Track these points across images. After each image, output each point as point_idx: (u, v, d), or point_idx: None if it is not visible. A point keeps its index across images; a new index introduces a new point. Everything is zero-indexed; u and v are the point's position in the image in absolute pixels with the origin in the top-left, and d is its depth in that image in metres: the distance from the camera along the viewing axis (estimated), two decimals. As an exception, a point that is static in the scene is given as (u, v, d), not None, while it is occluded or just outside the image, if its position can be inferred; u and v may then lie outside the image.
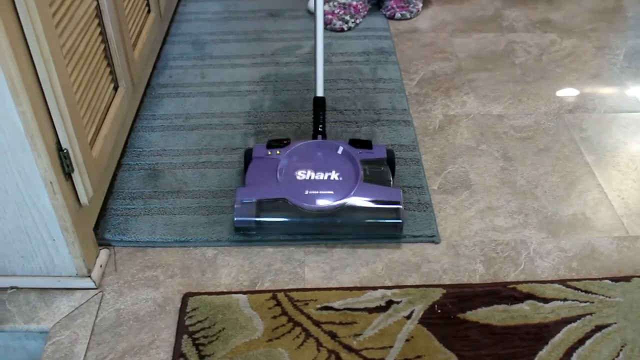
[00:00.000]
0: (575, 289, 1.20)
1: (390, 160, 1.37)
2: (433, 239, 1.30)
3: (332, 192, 1.29)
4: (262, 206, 1.27)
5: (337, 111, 1.64)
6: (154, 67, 1.83)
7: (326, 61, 1.84)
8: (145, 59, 1.64)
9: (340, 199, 1.27)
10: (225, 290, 1.20)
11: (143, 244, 1.31)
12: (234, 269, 1.25)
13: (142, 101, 1.69)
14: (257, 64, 1.84)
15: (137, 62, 1.51)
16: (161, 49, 1.92)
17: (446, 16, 2.11)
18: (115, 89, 1.38)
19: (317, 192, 1.29)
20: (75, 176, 1.12)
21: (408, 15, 2.08)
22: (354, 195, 1.28)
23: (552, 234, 1.32)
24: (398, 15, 2.06)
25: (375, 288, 1.20)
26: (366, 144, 1.39)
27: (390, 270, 1.24)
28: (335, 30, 1.97)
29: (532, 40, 1.98)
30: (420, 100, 1.70)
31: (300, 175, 1.32)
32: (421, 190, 1.40)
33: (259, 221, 1.28)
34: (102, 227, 1.33)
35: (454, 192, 1.42)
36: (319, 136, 1.43)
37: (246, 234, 1.30)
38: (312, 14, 2.03)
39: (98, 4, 1.26)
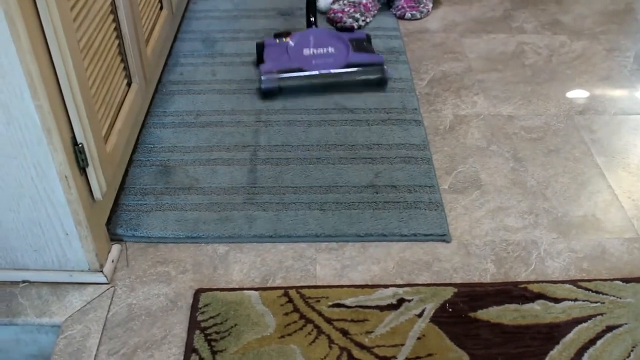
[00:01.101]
0: (586, 289, 1.20)
1: (368, 40, 1.82)
2: (444, 237, 1.31)
3: (332, 60, 1.72)
4: (282, 74, 1.67)
5: (348, 110, 1.64)
6: (165, 64, 1.83)
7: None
8: (158, 55, 1.64)
9: (340, 62, 1.71)
10: (237, 287, 1.21)
11: (155, 240, 1.32)
12: (245, 266, 1.25)
13: (153, 97, 1.70)
14: (268, 62, 1.85)
15: (150, 59, 1.52)
16: (172, 46, 1.92)
17: (456, 17, 2.11)
18: (129, 84, 1.39)
19: (321, 62, 1.71)
20: (90, 171, 1.13)
21: (418, 15, 2.08)
22: (349, 60, 1.71)
23: (563, 235, 1.32)
24: (408, 15, 2.07)
25: (386, 286, 1.20)
26: (348, 29, 1.93)
27: (402, 269, 1.25)
28: (346, 29, 1.97)
29: (542, 41, 1.98)
30: (430, 100, 1.71)
31: (306, 51, 1.74)
32: (432, 190, 1.40)
33: (282, 85, 1.67)
34: (114, 222, 1.33)
35: (465, 191, 1.42)
36: (313, 25, 1.83)
37: (271, 98, 1.67)
38: (323, 13, 2.04)
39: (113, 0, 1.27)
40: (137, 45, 1.39)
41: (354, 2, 2.02)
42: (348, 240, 1.30)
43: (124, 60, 1.34)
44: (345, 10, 2.01)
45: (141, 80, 1.43)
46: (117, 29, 1.30)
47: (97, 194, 1.16)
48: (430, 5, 2.12)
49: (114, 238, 1.31)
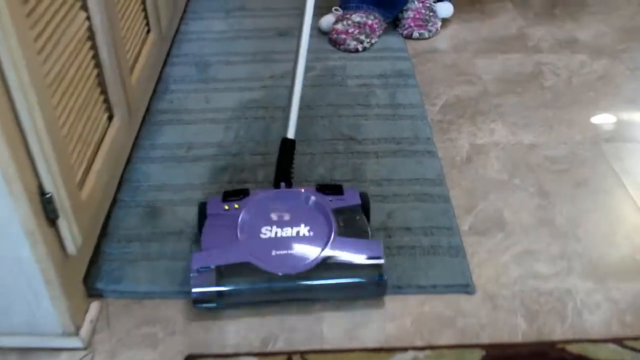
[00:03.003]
0: (633, 349, 1.05)
1: (364, 207, 1.21)
2: (467, 289, 1.15)
3: (302, 252, 1.11)
4: (223, 273, 1.08)
5: (355, 141, 1.50)
6: (154, 91, 1.69)
7: (340, 84, 1.70)
8: (145, 83, 1.50)
9: (313, 259, 1.09)
10: (232, 352, 1.05)
11: (140, 295, 1.16)
12: (242, 326, 1.10)
13: (140, 128, 1.55)
14: (267, 86, 1.70)
15: (135, 88, 1.37)
16: (162, 71, 1.78)
17: (467, 35, 1.98)
18: (110, 118, 1.24)
19: (286, 252, 1.11)
20: (61, 222, 0.97)
21: (426, 35, 1.94)
22: (328, 252, 1.10)
23: (600, 282, 1.17)
24: (416, 34, 1.93)
25: (404, 349, 1.05)
26: (337, 189, 1.22)
27: (421, 326, 1.09)
28: (349, 51, 1.83)
29: (560, 61, 1.84)
30: (444, 128, 1.56)
31: (265, 232, 1.14)
32: (451, 232, 1.25)
33: (221, 291, 1.08)
34: (93, 275, 1.18)
35: (487, 233, 1.27)
36: (282, 183, 1.25)
37: (207, 308, 1.11)
38: (324, 33, 1.90)
39: (90, 24, 1.12)
40: (120, 74, 1.25)
41: (358, 23, 1.88)
42: (358, 293, 1.15)
43: (104, 91, 1.20)
44: (350, 31, 1.87)
45: (124, 112, 1.29)
46: (96, 56, 1.15)
47: (71, 248, 1.01)
48: (439, 23, 1.98)
49: (94, 294, 1.16)
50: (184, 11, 2.08)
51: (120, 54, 1.25)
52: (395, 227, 1.26)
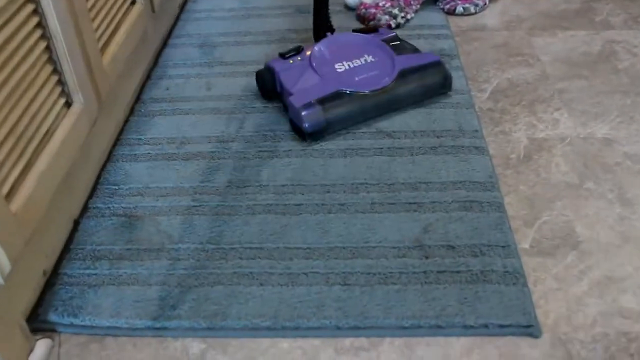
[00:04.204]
0: None
1: (400, 38, 1.39)
2: (531, 330, 0.86)
3: (378, 72, 1.27)
4: (325, 105, 1.20)
5: (385, 134, 1.21)
6: (148, 77, 1.43)
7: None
8: (125, 65, 1.23)
9: (391, 74, 1.27)
10: (210, 419, 0.78)
11: (101, 332, 0.90)
12: (227, 378, 0.83)
13: (127, 121, 1.29)
14: (280, 71, 1.43)
15: (109, 69, 1.11)
16: (160, 53, 1.52)
17: (520, 10, 1.67)
18: (69, 105, 0.98)
19: (366, 75, 1.26)
20: (-23, 244, 0.72)
21: (472, 10, 1.64)
22: (399, 67, 1.28)
23: None
24: (460, 9, 1.63)
25: (445, 419, 0.76)
26: (372, 30, 1.41)
27: (468, 384, 0.81)
28: (374, 29, 1.54)
29: (637, 38, 1.52)
30: (495, 119, 1.26)
31: (339, 67, 1.28)
32: (507, 251, 0.96)
33: (329, 119, 1.20)
34: (47, 304, 0.93)
35: (555, 253, 0.98)
36: (328, 33, 1.39)
37: (318, 139, 1.21)
38: (351, 9, 1.62)
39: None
40: (82, 50, 0.98)
41: None
42: (385, 335, 0.87)
43: (59, 71, 0.93)
44: (380, 4, 1.58)
45: (90, 99, 1.02)
46: (43, 26, 0.89)
47: (-5, 277, 0.75)
48: (488, -4, 1.68)
49: (44, 328, 0.90)
50: (193, -13, 1.82)
51: (82, 25, 0.99)
52: (433, 245, 0.97)
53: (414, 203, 1.05)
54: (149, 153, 1.21)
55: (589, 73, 1.40)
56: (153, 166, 1.18)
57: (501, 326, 0.86)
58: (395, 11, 1.57)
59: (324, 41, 1.34)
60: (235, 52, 1.51)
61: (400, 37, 1.39)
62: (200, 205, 1.08)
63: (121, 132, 1.26)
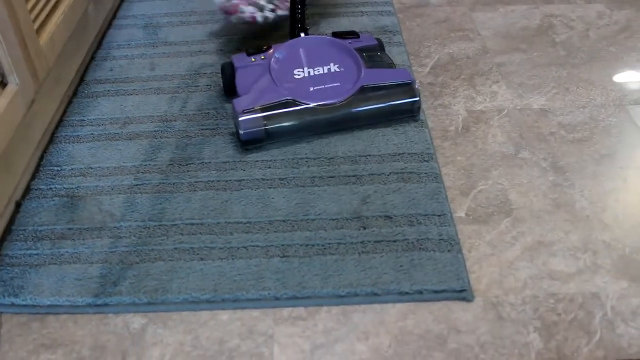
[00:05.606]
0: (686, 374, 0.78)
1: (381, 47, 1.29)
2: (463, 294, 0.89)
3: (338, 84, 1.18)
4: (268, 113, 1.12)
5: (325, 109, 1.22)
6: (92, 59, 1.42)
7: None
8: (65, 45, 1.22)
9: (350, 89, 1.16)
10: (149, 390, 0.79)
11: (43, 310, 0.90)
12: (169, 349, 0.84)
13: (70, 102, 1.29)
14: (223, 50, 1.43)
15: (46, 50, 1.10)
16: (104, 34, 1.51)
17: (463, -13, 1.69)
18: (4, 85, 0.97)
19: (324, 87, 1.17)
20: None
21: (416, -13, 1.65)
22: (362, 82, 1.17)
23: (636, 281, 0.91)
24: (403, -14, 1.63)
25: (379, 381, 0.79)
26: (352, 34, 1.29)
27: (403, 347, 0.83)
28: (246, 22, 1.38)
29: (574, 12, 1.56)
30: (435, 92, 1.29)
31: (298, 73, 1.19)
32: (442, 220, 0.99)
33: (269, 129, 1.12)
34: (-14, 285, 0.92)
35: (489, 220, 1.01)
36: (301, 33, 1.29)
37: (255, 148, 1.14)
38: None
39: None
40: (15, 28, 0.98)
41: None
42: (322, 304, 0.89)
43: (-10, 50, 0.93)
44: None
45: (26, 78, 1.01)
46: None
47: None
48: (431, -27, 1.69)
49: (-16, 309, 0.90)
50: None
51: (15, 4, 0.98)
52: (371, 216, 1.00)
53: (353, 176, 1.07)
54: (91, 134, 1.20)
55: (527, 46, 1.43)
56: (96, 147, 1.17)
57: (435, 292, 0.89)
58: (262, 2, 1.36)
59: (291, 42, 1.25)
60: (180, 32, 1.51)
61: (381, 46, 1.29)
62: (142, 184, 1.08)
63: (64, 113, 1.26)
